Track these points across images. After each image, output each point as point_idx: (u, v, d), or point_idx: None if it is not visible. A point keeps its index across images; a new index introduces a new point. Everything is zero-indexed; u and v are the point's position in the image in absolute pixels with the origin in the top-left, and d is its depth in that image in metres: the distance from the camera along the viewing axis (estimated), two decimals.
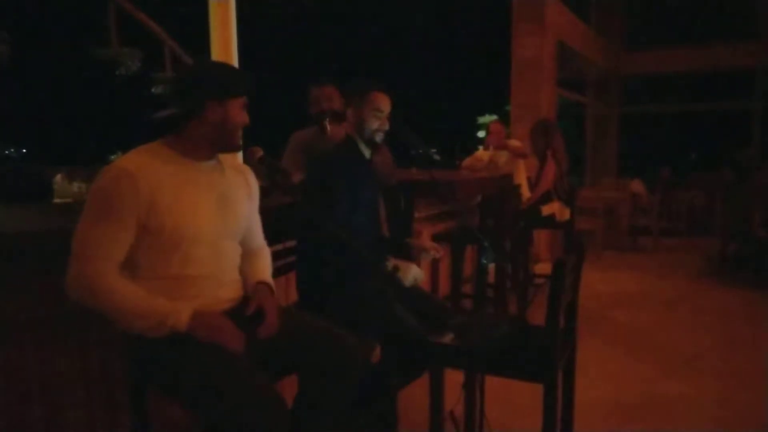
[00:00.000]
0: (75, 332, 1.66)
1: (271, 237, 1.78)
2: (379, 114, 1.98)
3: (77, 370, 1.67)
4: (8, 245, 1.54)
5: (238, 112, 1.48)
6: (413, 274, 1.86)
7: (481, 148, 4.89)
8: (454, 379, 1.98)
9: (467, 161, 4.65)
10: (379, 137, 2.01)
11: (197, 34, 4.40)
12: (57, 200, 3.14)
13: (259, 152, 1.59)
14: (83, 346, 1.68)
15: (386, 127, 2.02)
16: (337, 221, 1.84)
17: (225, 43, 4.33)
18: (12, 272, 1.55)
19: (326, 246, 1.84)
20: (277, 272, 1.85)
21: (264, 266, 1.67)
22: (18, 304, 1.56)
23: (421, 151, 2.32)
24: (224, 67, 1.60)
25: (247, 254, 1.65)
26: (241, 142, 1.53)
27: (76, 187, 3.17)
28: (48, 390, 1.63)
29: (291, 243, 2.06)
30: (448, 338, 1.69)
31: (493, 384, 1.87)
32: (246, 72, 1.54)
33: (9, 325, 1.56)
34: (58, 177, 3.45)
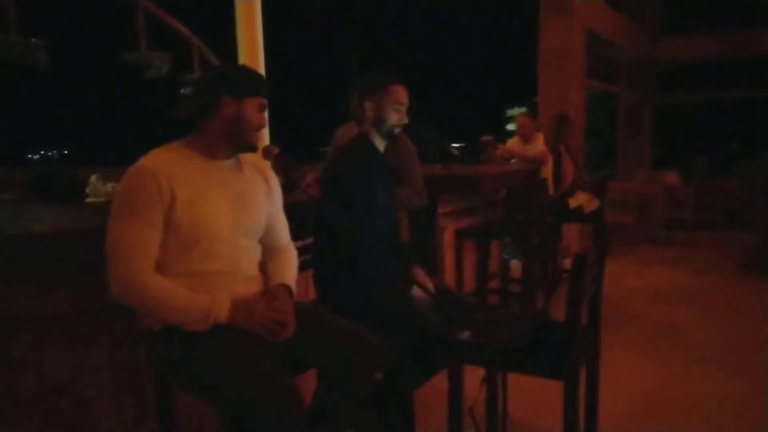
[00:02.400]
0: (104, 327, 1.72)
1: (291, 234, 1.80)
2: (399, 107, 1.97)
3: (106, 364, 1.74)
4: (41, 244, 1.60)
5: (253, 112, 1.50)
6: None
7: (509, 140, 4.83)
8: (475, 375, 1.96)
9: (500, 150, 4.60)
10: (397, 130, 2.00)
11: (225, 37, 4.48)
12: (90, 200, 3.25)
13: (275, 150, 1.61)
14: (112, 341, 1.74)
15: (405, 120, 2.00)
16: (354, 219, 1.84)
17: (251, 44, 4.39)
18: (45, 270, 1.62)
19: (342, 243, 1.84)
20: (298, 269, 1.86)
21: (287, 266, 1.68)
22: (51, 301, 1.63)
23: (439, 146, 2.31)
24: (244, 68, 1.63)
25: (272, 252, 1.67)
26: (256, 143, 1.55)
27: (109, 187, 3.27)
28: (78, 383, 1.69)
29: (310, 240, 2.07)
30: (466, 335, 1.68)
31: (516, 381, 1.85)
32: (261, 75, 1.56)
33: (42, 321, 1.63)
34: (93, 178, 3.57)
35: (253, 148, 1.56)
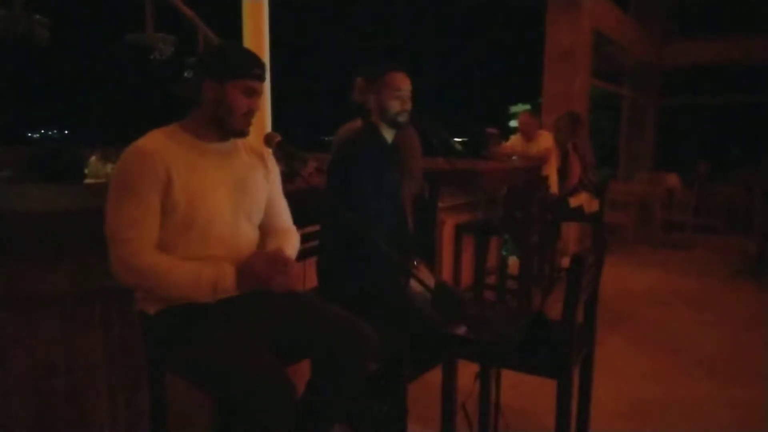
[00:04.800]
0: (98, 309, 1.72)
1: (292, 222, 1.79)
2: (398, 94, 1.94)
3: (100, 346, 1.73)
4: (36, 223, 1.59)
5: (236, 97, 1.44)
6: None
7: (512, 137, 4.82)
8: (469, 370, 1.97)
9: (502, 148, 4.60)
10: (402, 118, 1.97)
11: (231, 21, 4.45)
12: (89, 180, 3.23)
13: (277, 138, 1.60)
14: (106, 323, 1.74)
15: (409, 106, 1.97)
16: (357, 209, 1.84)
17: (257, 30, 4.37)
18: (39, 250, 1.60)
19: (344, 232, 1.84)
20: (297, 258, 1.86)
21: (288, 243, 1.65)
22: (45, 281, 1.62)
23: (441, 140, 2.29)
24: (232, 49, 1.50)
25: (273, 233, 1.66)
26: (245, 128, 1.50)
27: (109, 168, 3.25)
28: (71, 364, 1.69)
29: (311, 228, 2.07)
30: (462, 330, 1.68)
31: (509, 376, 1.85)
32: (255, 56, 1.47)
33: (36, 301, 1.62)
34: (93, 158, 3.55)
35: (241, 134, 1.51)
